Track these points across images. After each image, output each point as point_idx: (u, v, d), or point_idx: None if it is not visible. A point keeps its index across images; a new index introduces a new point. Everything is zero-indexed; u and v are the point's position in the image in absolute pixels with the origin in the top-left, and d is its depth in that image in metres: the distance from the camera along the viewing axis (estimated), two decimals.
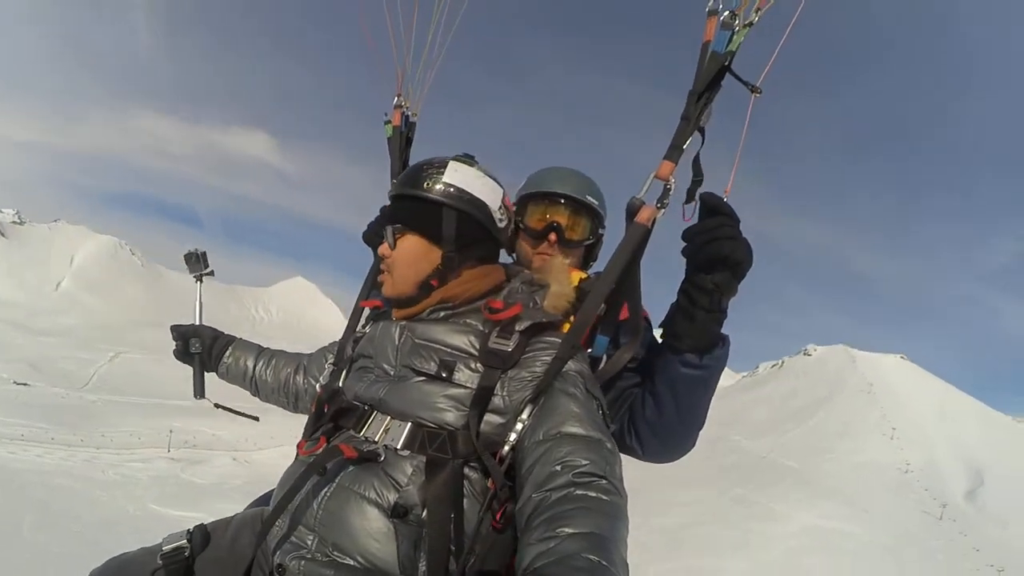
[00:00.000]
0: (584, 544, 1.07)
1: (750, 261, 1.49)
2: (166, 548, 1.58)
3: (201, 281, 2.40)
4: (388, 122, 2.31)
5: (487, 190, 1.68)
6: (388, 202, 1.77)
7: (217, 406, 2.25)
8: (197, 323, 2.27)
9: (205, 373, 2.23)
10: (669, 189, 1.51)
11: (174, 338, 2.21)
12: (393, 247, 1.66)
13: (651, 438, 1.69)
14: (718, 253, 1.45)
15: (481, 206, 1.66)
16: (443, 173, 1.65)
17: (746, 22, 1.44)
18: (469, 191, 1.65)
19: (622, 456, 1.67)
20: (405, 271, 1.65)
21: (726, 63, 1.45)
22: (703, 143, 1.52)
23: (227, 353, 2.22)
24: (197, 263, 2.41)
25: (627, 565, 1.10)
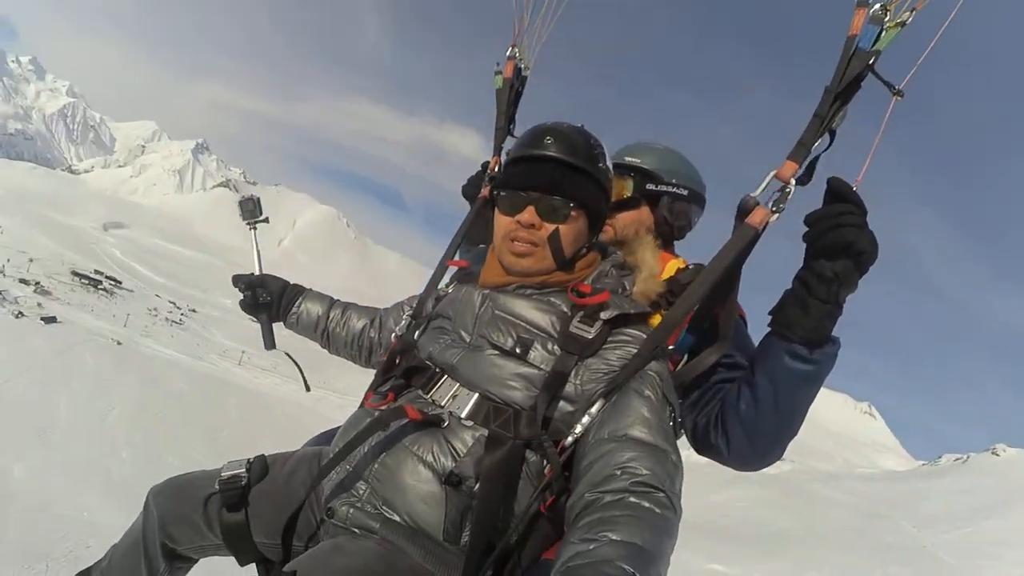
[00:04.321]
0: (623, 553, 1.04)
1: (875, 254, 1.35)
2: (225, 475, 1.59)
3: (255, 228, 2.31)
4: (499, 73, 2.19)
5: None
6: (518, 158, 1.63)
7: (288, 356, 2.20)
8: (258, 272, 2.19)
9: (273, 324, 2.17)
10: (788, 192, 1.41)
11: (240, 289, 2.11)
12: (562, 221, 1.55)
13: (740, 436, 1.53)
14: (842, 240, 1.33)
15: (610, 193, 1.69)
16: (605, 155, 1.61)
17: (897, 20, 1.32)
18: (612, 180, 1.66)
19: (705, 458, 1.68)
20: (568, 250, 1.57)
21: (870, 62, 1.33)
22: (830, 145, 1.42)
23: (297, 303, 2.16)
24: (253, 210, 2.32)
25: None
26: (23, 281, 48.69)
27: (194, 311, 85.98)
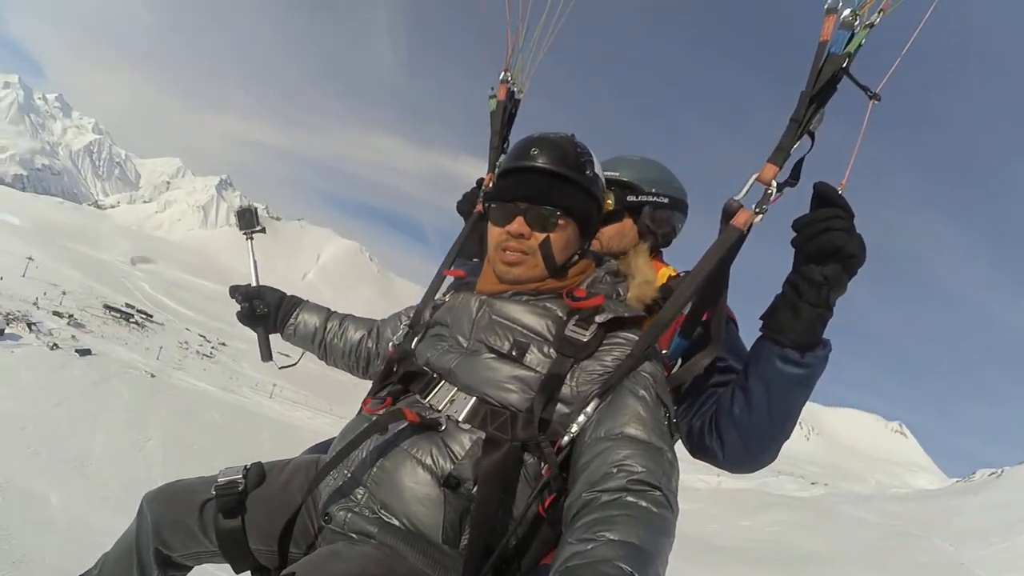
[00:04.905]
0: (621, 553, 1.05)
1: (863, 257, 1.38)
2: (221, 480, 1.58)
3: (252, 239, 2.31)
4: (493, 96, 2.25)
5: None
6: (504, 171, 1.67)
7: (283, 368, 2.25)
8: (255, 283, 2.19)
9: (270, 335, 2.19)
10: (770, 194, 1.43)
11: (237, 300, 2.13)
12: (551, 229, 1.59)
13: (735, 439, 1.55)
14: (831, 245, 1.35)
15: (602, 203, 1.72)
16: (594, 163, 1.65)
17: (867, 23, 1.36)
18: (604, 188, 1.71)
19: (700, 461, 1.71)
20: (559, 257, 1.61)
21: (843, 65, 1.36)
22: (811, 148, 1.43)
23: (294, 314, 2.17)
24: (250, 220, 2.30)
25: None
26: (56, 314, 49.98)
27: (224, 344, 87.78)
